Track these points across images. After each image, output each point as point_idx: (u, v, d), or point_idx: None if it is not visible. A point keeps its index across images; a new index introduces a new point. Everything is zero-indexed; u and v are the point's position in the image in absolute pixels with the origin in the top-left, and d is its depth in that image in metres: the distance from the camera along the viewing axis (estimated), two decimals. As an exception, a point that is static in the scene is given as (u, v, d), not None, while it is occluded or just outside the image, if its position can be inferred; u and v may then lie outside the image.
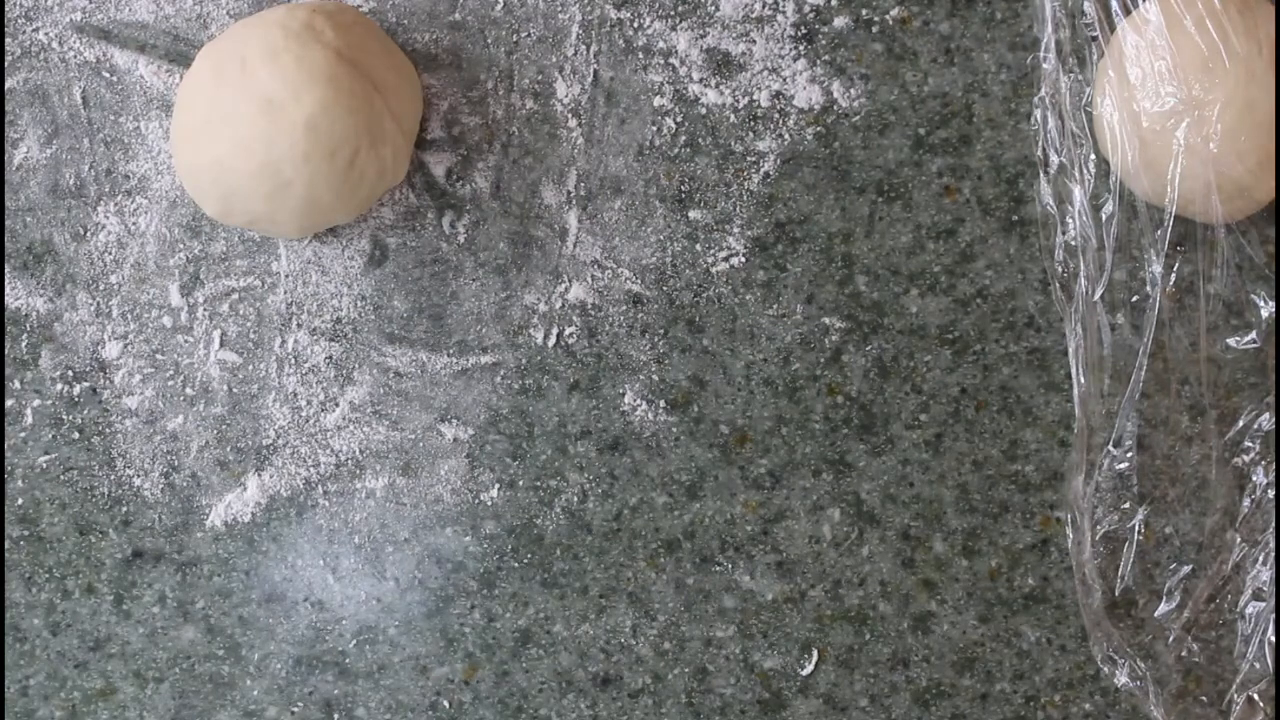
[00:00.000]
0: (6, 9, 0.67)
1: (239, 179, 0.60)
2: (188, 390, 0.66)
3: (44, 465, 0.66)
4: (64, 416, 0.66)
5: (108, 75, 0.66)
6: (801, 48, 0.65)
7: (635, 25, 0.65)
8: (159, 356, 0.66)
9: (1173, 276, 0.63)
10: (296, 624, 0.65)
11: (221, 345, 0.66)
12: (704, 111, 0.65)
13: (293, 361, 0.66)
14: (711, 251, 0.65)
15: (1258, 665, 0.62)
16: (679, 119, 0.65)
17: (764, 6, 0.65)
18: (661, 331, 0.65)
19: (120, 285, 0.66)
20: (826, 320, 0.65)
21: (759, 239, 0.65)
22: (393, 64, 0.63)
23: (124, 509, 0.66)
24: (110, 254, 0.66)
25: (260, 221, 0.63)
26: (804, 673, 0.64)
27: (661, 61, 0.65)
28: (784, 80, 0.65)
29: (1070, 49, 0.63)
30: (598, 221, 0.65)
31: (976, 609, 0.64)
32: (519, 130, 0.65)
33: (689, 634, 0.64)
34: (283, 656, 0.65)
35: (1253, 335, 0.63)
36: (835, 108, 0.65)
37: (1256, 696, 0.61)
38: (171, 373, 0.66)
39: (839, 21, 0.65)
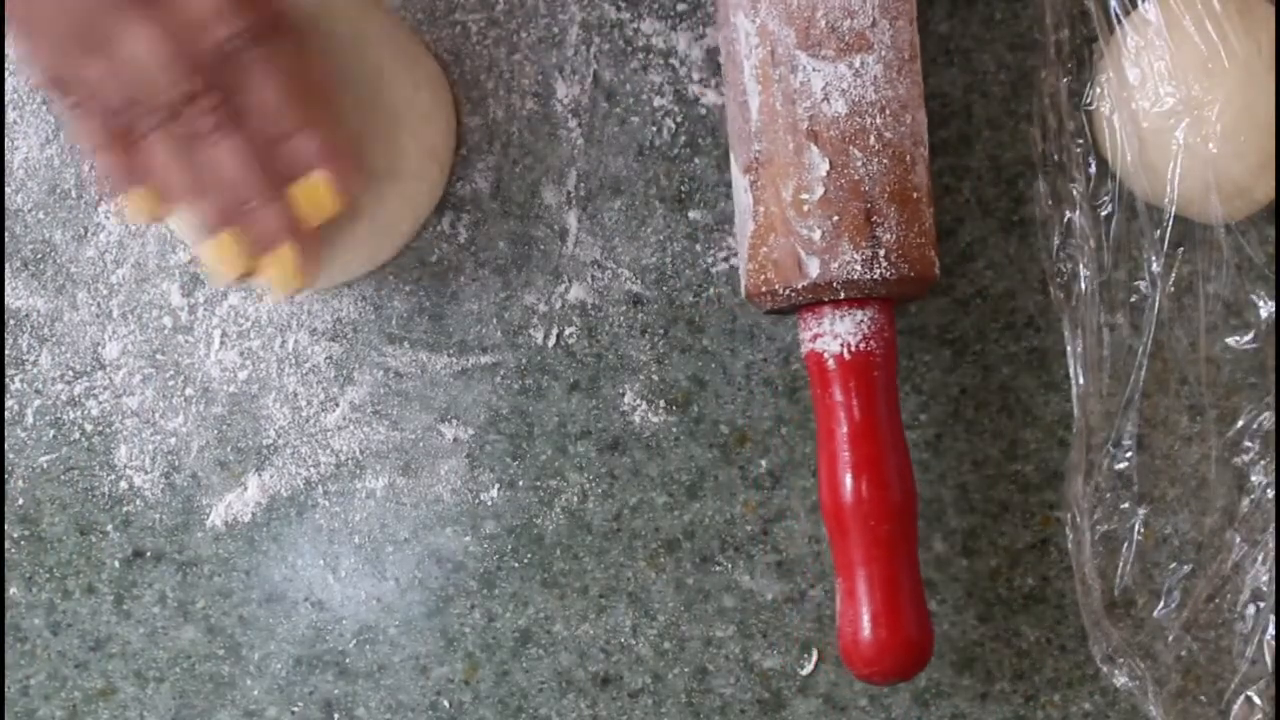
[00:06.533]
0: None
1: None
2: (188, 390, 0.66)
3: (44, 465, 0.66)
4: (64, 416, 0.66)
5: (108, 75, 0.66)
6: (801, 48, 0.65)
7: (635, 25, 0.65)
8: (159, 356, 0.66)
9: (1172, 276, 0.63)
10: (296, 624, 0.65)
11: (221, 345, 0.66)
12: (704, 111, 0.65)
13: (293, 361, 0.66)
14: (711, 251, 0.65)
15: (1257, 665, 0.62)
16: (679, 119, 0.65)
17: (764, 6, 0.65)
18: (661, 331, 0.65)
19: (120, 285, 0.66)
20: (826, 320, 0.65)
21: (759, 239, 0.65)
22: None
23: (124, 509, 0.66)
24: (110, 254, 0.66)
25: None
26: (804, 673, 0.64)
27: (661, 61, 0.65)
28: (784, 80, 0.65)
29: (1070, 49, 0.63)
30: (598, 222, 0.65)
31: (976, 609, 0.64)
32: (519, 130, 0.65)
33: (689, 634, 0.64)
34: (283, 656, 0.65)
35: (1252, 335, 0.63)
36: (835, 108, 0.65)
37: (1256, 696, 0.61)
38: (171, 373, 0.66)
39: (839, 21, 0.65)
